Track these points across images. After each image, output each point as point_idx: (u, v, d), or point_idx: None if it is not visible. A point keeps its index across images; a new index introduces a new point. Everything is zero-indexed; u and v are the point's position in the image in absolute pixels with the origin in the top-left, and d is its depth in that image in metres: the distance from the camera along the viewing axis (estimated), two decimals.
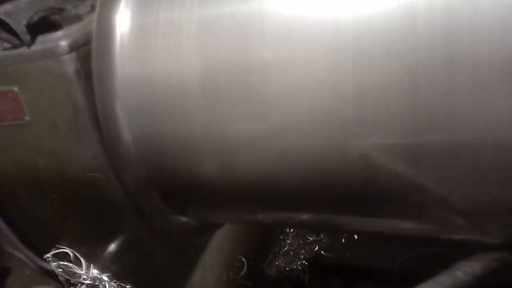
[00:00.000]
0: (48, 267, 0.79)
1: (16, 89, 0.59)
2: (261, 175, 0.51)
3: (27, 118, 0.62)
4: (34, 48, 0.57)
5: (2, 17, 0.54)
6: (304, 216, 0.58)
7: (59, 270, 0.78)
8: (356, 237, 1.16)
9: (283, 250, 1.18)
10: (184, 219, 0.70)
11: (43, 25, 0.58)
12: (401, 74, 0.39)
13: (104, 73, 0.53)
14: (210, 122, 0.49)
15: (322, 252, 1.16)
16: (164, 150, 0.55)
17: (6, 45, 0.59)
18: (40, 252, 0.81)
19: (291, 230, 1.22)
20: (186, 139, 0.52)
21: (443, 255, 1.00)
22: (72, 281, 0.80)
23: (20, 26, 0.55)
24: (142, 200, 0.64)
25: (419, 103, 0.39)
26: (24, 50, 0.57)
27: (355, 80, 0.41)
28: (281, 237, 1.21)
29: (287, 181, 0.50)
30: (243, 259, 1.06)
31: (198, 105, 0.49)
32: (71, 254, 0.79)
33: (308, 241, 1.19)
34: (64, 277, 0.79)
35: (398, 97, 0.40)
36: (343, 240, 1.17)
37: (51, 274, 0.81)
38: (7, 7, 0.56)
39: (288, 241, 1.20)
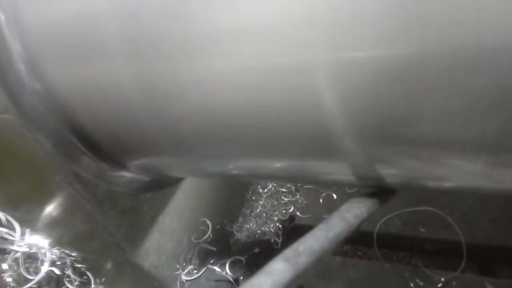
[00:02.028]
0: None
1: None
2: (200, 118, 0.43)
3: None
4: None
5: None
6: (261, 162, 0.51)
7: None
8: (335, 196, 1.08)
9: (255, 212, 1.11)
10: (127, 174, 0.63)
11: None
12: None
13: None
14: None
15: (298, 214, 1.09)
16: (84, 90, 0.46)
17: None
18: None
19: (265, 191, 1.14)
20: (110, 79, 0.44)
21: (428, 215, 0.95)
22: (4, 249, 0.73)
23: None
24: (65, 155, 0.56)
25: None
26: None
27: None
28: (253, 198, 1.14)
29: (232, 120, 0.42)
30: (208, 222, 0.98)
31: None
32: (2, 217, 0.72)
33: (283, 201, 1.12)
34: None
35: None
36: (321, 201, 1.10)
37: None
38: None
39: (261, 202, 1.12)
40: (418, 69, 0.33)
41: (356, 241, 1.02)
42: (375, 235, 0.97)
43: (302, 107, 0.38)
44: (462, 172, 0.42)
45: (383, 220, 0.99)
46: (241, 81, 0.38)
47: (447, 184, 0.48)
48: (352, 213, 0.49)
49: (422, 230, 0.95)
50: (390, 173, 0.47)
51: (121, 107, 0.46)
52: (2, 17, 0.44)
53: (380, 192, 0.54)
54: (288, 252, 0.42)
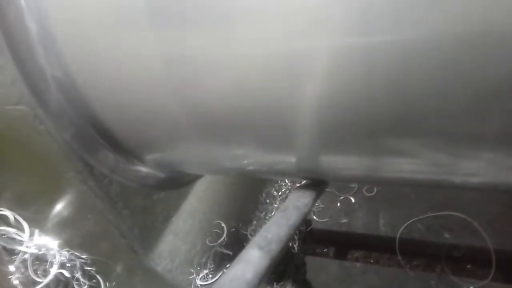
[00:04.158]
0: None
1: None
2: (230, 103, 0.42)
3: None
4: None
5: None
6: (290, 159, 0.49)
7: None
8: (353, 200, 1.06)
9: (270, 215, 1.08)
10: (144, 169, 0.62)
11: None
12: None
13: None
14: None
15: (315, 217, 1.06)
16: (106, 78, 0.45)
17: None
18: None
19: (279, 194, 1.12)
20: (134, 63, 0.42)
21: (453, 220, 0.92)
22: (13, 250, 0.71)
23: None
24: (82, 146, 0.55)
25: None
26: None
27: None
28: (268, 200, 1.11)
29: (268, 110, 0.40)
30: (223, 224, 0.96)
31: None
32: (10, 216, 0.70)
33: None
34: (3, 245, 0.70)
35: None
36: (339, 204, 1.08)
37: None
38: None
39: (276, 205, 1.10)
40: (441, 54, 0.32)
41: (377, 246, 0.99)
42: (397, 241, 0.94)
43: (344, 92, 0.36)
44: (492, 167, 0.41)
45: (405, 225, 0.96)
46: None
47: (475, 180, 0.46)
48: (302, 202, 0.54)
49: (447, 236, 0.92)
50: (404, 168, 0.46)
51: (144, 90, 0.44)
52: (23, 2, 0.43)
53: (317, 183, 0.60)
54: (260, 240, 0.45)
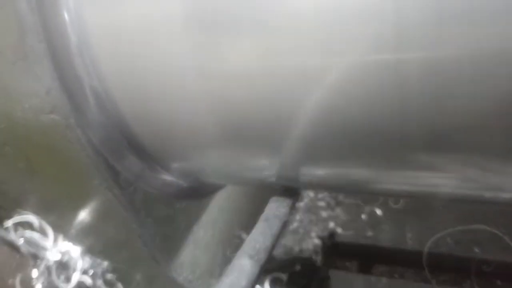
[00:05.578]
0: (8, 237, 0.72)
1: None
2: (263, 114, 0.43)
3: None
4: None
5: None
6: (322, 171, 0.51)
7: (21, 240, 0.73)
8: (379, 212, 1.05)
9: (292, 227, 1.08)
10: (168, 178, 0.64)
11: None
12: None
13: None
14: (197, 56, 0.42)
15: (338, 230, 1.05)
16: (139, 88, 0.48)
17: None
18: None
19: (301, 205, 1.11)
20: (168, 74, 0.45)
21: (483, 234, 0.90)
22: (37, 254, 0.73)
23: None
24: (111, 152, 0.57)
25: None
26: None
27: None
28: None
29: (302, 121, 0.41)
30: (244, 235, 0.96)
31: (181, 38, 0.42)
32: (36, 222, 0.73)
33: (322, 217, 1.08)
34: (28, 249, 0.73)
35: None
36: (363, 216, 1.06)
37: (12, 246, 0.73)
38: None
39: (298, 217, 1.09)
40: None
41: (404, 260, 0.97)
42: (424, 255, 0.92)
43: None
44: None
45: (433, 239, 0.94)
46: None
47: (507, 196, 0.46)
48: (281, 212, 0.58)
49: (477, 250, 0.90)
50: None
51: (175, 101, 0.46)
52: (66, 17, 0.47)
53: (290, 190, 0.62)
54: (249, 249, 0.50)
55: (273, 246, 0.54)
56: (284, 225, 0.58)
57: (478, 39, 0.31)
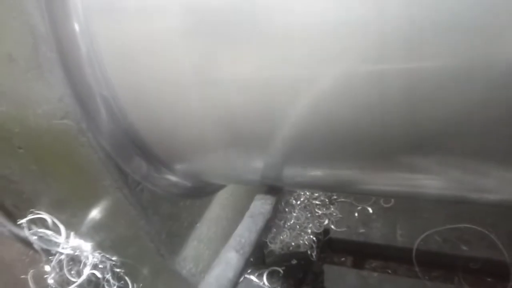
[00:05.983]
0: (22, 233, 0.75)
1: None
2: (258, 119, 0.46)
3: None
4: None
5: None
6: (318, 172, 0.54)
7: (35, 237, 0.74)
8: (371, 210, 1.09)
9: (289, 224, 1.12)
10: (173, 178, 0.67)
11: None
12: None
13: None
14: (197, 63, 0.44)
15: (332, 227, 1.10)
16: (145, 95, 0.50)
17: None
18: (14, 217, 0.76)
19: (298, 203, 1.16)
20: (171, 82, 0.47)
21: (470, 232, 0.94)
22: (49, 250, 0.76)
23: None
24: (120, 155, 0.60)
25: None
26: None
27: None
28: (287, 209, 1.15)
29: (299, 123, 0.44)
30: None
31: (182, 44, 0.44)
32: (49, 220, 0.75)
33: (317, 214, 1.13)
34: (40, 246, 0.75)
35: None
36: (356, 214, 1.11)
37: (26, 242, 0.76)
38: None
39: (295, 214, 1.14)
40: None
41: (395, 257, 1.02)
42: (414, 252, 0.97)
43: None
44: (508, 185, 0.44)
45: (422, 236, 0.99)
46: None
47: (492, 197, 0.49)
48: (265, 209, 0.61)
49: (464, 248, 0.95)
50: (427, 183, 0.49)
51: (178, 107, 0.49)
52: (77, 28, 0.49)
53: (274, 189, 0.66)
54: (235, 244, 0.53)
55: (258, 241, 0.57)
56: (267, 221, 0.60)
57: (456, 52, 0.34)
